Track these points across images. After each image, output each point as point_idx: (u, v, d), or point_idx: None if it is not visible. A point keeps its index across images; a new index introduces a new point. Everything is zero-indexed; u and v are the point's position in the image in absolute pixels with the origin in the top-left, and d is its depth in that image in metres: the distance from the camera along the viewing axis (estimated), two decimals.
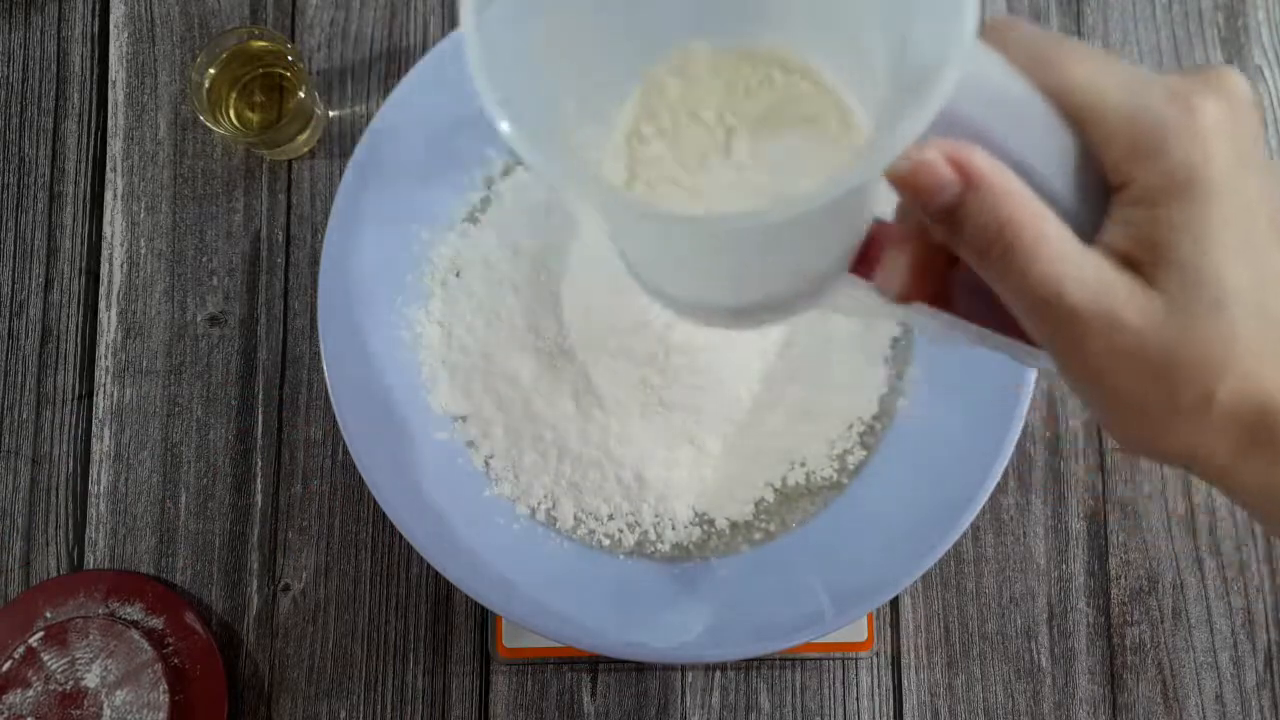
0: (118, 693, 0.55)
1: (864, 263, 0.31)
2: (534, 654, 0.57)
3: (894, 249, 0.29)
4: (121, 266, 0.62)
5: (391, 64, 0.64)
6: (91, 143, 0.64)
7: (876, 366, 0.55)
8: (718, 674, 0.58)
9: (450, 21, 0.64)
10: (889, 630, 0.58)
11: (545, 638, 0.50)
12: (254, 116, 0.63)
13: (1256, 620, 0.58)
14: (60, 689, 0.55)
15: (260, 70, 0.62)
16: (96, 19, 0.65)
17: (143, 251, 0.62)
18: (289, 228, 0.63)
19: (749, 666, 0.58)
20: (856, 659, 0.58)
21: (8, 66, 0.65)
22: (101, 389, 0.61)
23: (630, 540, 0.54)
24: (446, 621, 0.59)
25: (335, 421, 0.51)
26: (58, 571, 0.60)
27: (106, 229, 0.63)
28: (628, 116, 0.32)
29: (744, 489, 0.54)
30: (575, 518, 0.54)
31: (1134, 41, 0.63)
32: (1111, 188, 0.26)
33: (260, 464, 0.61)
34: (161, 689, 0.55)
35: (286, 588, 0.59)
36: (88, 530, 0.60)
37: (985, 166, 0.24)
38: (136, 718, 0.55)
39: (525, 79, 0.26)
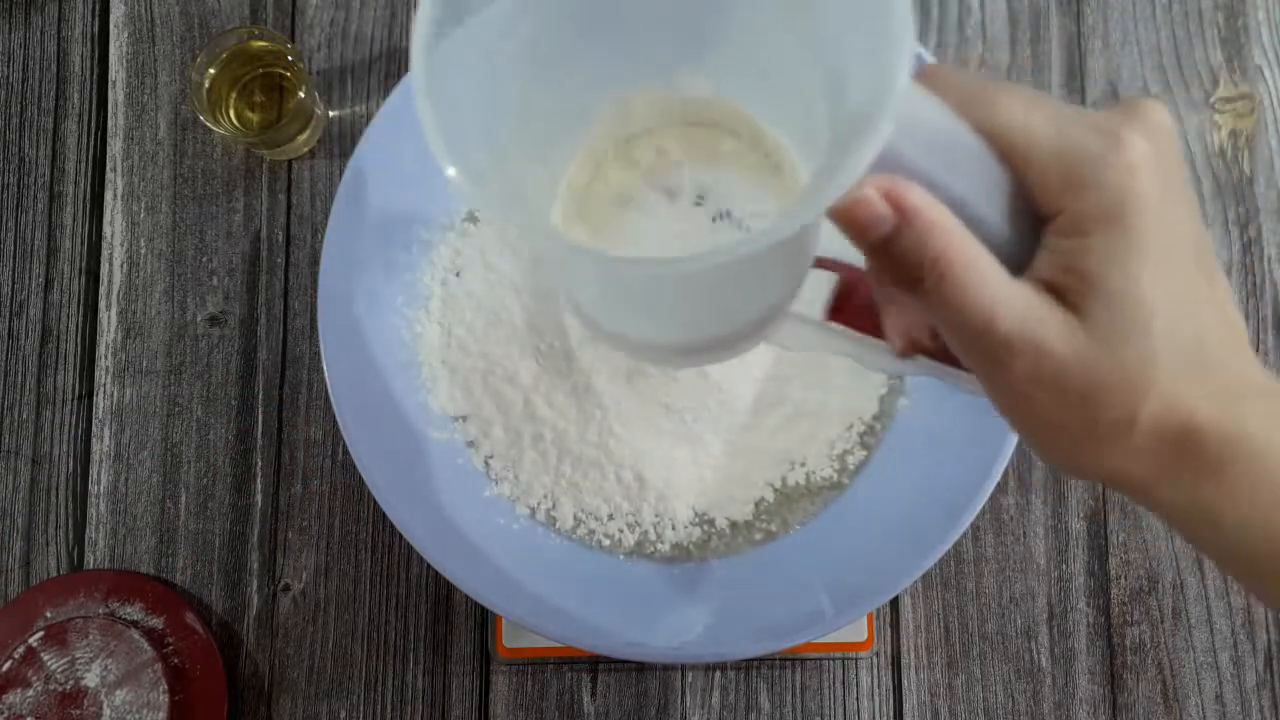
0: (118, 692, 0.55)
1: (842, 311, 0.33)
2: (534, 654, 0.57)
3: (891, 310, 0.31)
4: (121, 266, 0.62)
5: (391, 64, 0.64)
6: (91, 143, 0.64)
7: None
8: (718, 674, 0.58)
9: None
10: (889, 630, 0.58)
11: (545, 638, 0.50)
12: (254, 116, 0.63)
13: (1256, 620, 0.58)
14: (60, 689, 0.55)
15: (260, 70, 0.62)
16: (96, 19, 0.65)
17: (143, 251, 0.62)
18: (289, 228, 0.63)
19: (749, 666, 0.58)
20: (856, 659, 0.58)
21: (8, 66, 0.65)
22: (101, 389, 0.61)
23: (630, 540, 0.54)
24: (446, 621, 0.59)
25: (335, 421, 0.51)
26: (58, 571, 0.60)
27: (106, 229, 0.63)
28: (575, 162, 0.33)
29: (744, 489, 0.54)
30: (575, 518, 0.54)
31: (1134, 41, 0.63)
32: (1042, 219, 0.27)
33: (260, 464, 0.61)
34: (161, 689, 0.55)
35: (286, 588, 0.59)
36: (88, 530, 0.60)
37: (918, 201, 0.25)
38: (136, 717, 0.55)
39: (474, 127, 0.28)
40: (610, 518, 0.54)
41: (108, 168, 0.63)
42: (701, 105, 0.34)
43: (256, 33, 0.61)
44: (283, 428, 0.61)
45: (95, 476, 0.61)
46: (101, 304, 0.62)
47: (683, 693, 0.58)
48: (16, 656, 0.55)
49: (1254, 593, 0.30)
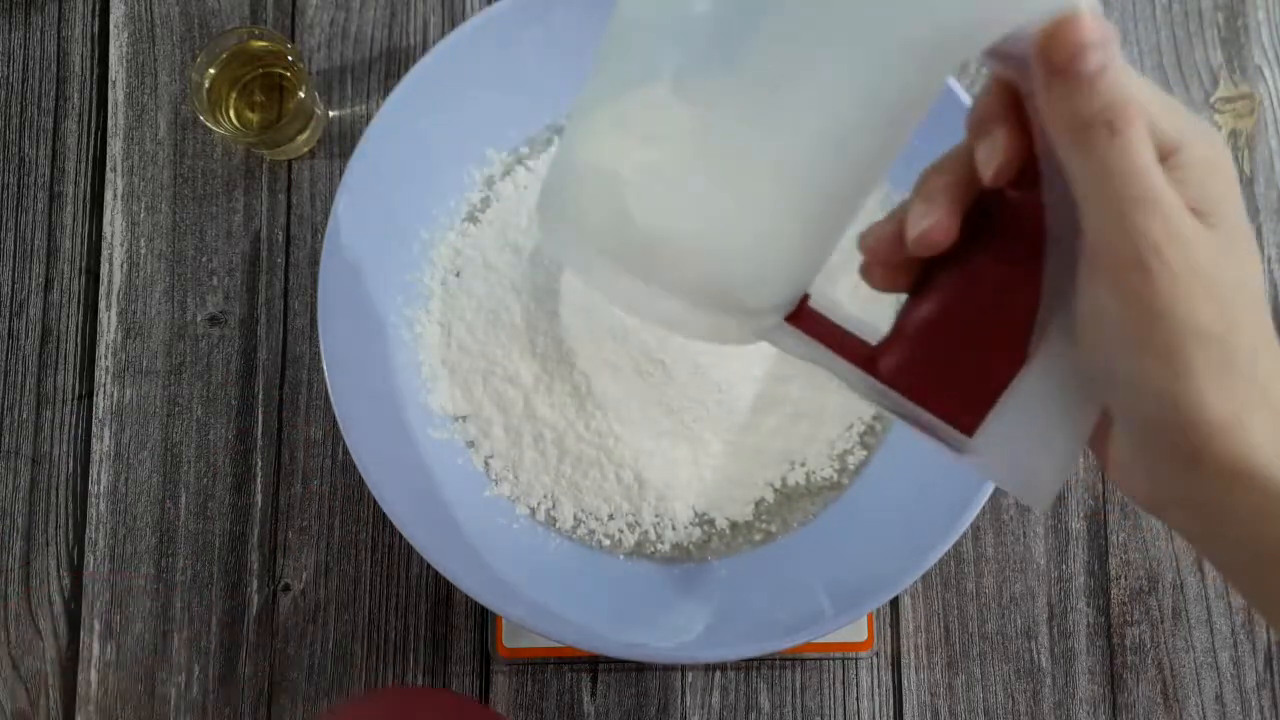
0: None
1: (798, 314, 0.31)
2: (534, 654, 0.57)
3: (942, 169, 0.30)
4: (121, 266, 0.62)
5: (391, 64, 0.64)
6: (91, 143, 0.64)
7: None
8: (718, 674, 0.58)
9: (450, 21, 0.64)
10: (889, 630, 0.58)
11: (545, 638, 0.50)
12: (254, 116, 0.63)
13: (1257, 620, 0.58)
14: None
15: (260, 70, 0.62)
16: (96, 19, 0.65)
17: (143, 251, 0.62)
18: (289, 228, 0.63)
19: (749, 666, 0.58)
20: (856, 659, 0.58)
21: (8, 66, 0.65)
22: (101, 389, 0.61)
23: (630, 540, 0.54)
24: (446, 621, 0.59)
25: (335, 421, 0.51)
26: (58, 571, 0.60)
27: (106, 229, 0.63)
28: None
29: (744, 489, 0.54)
30: (575, 518, 0.54)
31: (1134, 41, 0.63)
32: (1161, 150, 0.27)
33: (260, 464, 0.61)
34: None
35: (286, 588, 0.59)
36: (88, 530, 0.60)
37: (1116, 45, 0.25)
38: None
39: None
40: (610, 518, 0.54)
41: (108, 168, 0.63)
42: None
43: (256, 33, 0.61)
44: (283, 428, 0.61)
45: (95, 476, 0.61)
46: (101, 304, 0.62)
47: (683, 693, 0.58)
48: None
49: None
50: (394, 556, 0.60)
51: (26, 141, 0.64)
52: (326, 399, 0.53)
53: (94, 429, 0.61)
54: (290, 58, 0.60)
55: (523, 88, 0.56)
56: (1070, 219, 0.27)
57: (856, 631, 0.57)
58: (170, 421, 0.61)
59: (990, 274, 0.29)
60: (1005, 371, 0.29)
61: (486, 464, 0.55)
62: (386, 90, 0.59)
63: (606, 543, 0.54)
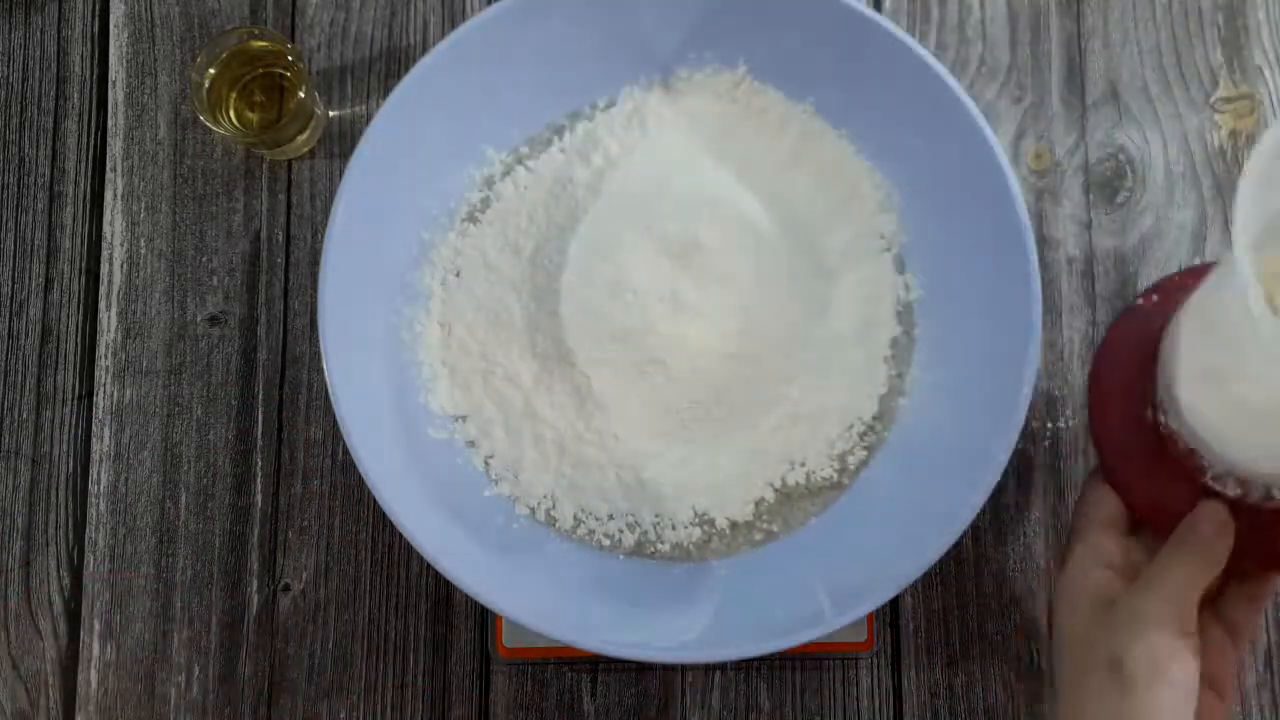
0: None
1: None
2: (534, 654, 0.57)
3: None
4: (121, 266, 0.62)
5: (391, 64, 0.64)
6: (91, 143, 0.64)
7: (876, 366, 0.55)
8: (718, 674, 0.58)
9: (450, 21, 0.64)
10: (889, 630, 0.58)
11: (545, 638, 0.50)
12: (254, 116, 0.63)
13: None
14: None
15: (260, 70, 0.62)
16: (96, 19, 0.65)
17: (143, 251, 0.62)
18: (289, 228, 0.63)
19: (749, 666, 0.58)
20: (856, 659, 0.58)
21: (8, 66, 0.65)
22: (101, 389, 0.61)
23: (630, 540, 0.54)
24: (446, 621, 0.59)
25: (335, 421, 0.51)
26: (58, 571, 0.60)
27: (106, 229, 0.63)
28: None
29: (744, 489, 0.54)
30: (575, 518, 0.54)
31: (1134, 41, 0.63)
32: None
33: (260, 464, 0.61)
34: None
35: (286, 588, 0.59)
36: (88, 530, 0.60)
37: None
38: None
39: None
40: (610, 518, 0.54)
41: (108, 168, 0.63)
42: None
43: (256, 33, 0.61)
44: (283, 428, 0.61)
45: (95, 476, 0.61)
46: (101, 304, 0.62)
47: (683, 693, 0.58)
48: None
49: None
50: (394, 556, 0.60)
51: (26, 141, 0.64)
52: (326, 399, 0.53)
53: (94, 429, 0.61)
54: (290, 58, 0.60)
55: (523, 87, 0.56)
56: None
57: (856, 631, 0.57)
58: (170, 421, 0.61)
59: None
60: None
61: (486, 464, 0.55)
62: (386, 90, 0.58)
63: (606, 543, 0.54)
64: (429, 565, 0.51)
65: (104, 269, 0.62)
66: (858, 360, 0.55)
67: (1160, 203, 0.61)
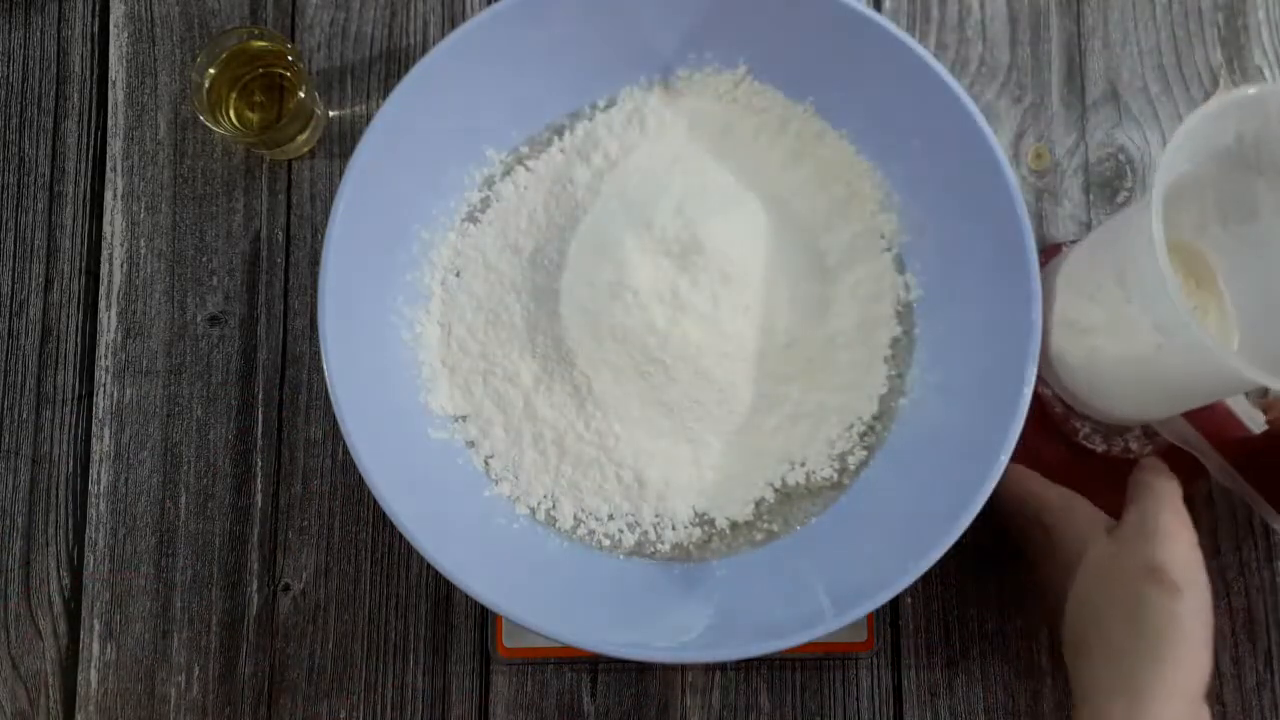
0: None
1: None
2: (534, 654, 0.57)
3: None
4: (121, 266, 0.62)
5: (391, 64, 0.64)
6: (91, 143, 0.64)
7: (876, 366, 0.55)
8: (718, 674, 0.58)
9: (450, 21, 0.64)
10: (889, 630, 0.58)
11: (545, 638, 0.50)
12: (254, 116, 0.63)
13: (1256, 620, 0.58)
14: None
15: (260, 70, 0.62)
16: (96, 19, 0.65)
17: (143, 251, 0.63)
18: (289, 228, 0.63)
19: (749, 666, 0.58)
20: (856, 659, 0.58)
21: (8, 66, 0.65)
22: (101, 389, 0.61)
23: (630, 540, 0.54)
24: (446, 621, 0.59)
25: (335, 421, 0.51)
26: (58, 571, 0.60)
27: (106, 229, 0.63)
28: None
29: (744, 489, 0.54)
30: (575, 518, 0.54)
31: (1134, 41, 0.63)
32: None
33: (260, 464, 0.61)
34: None
35: (286, 588, 0.59)
36: (88, 530, 0.60)
37: None
38: None
39: None
40: (610, 518, 0.54)
41: (108, 167, 0.63)
42: None
43: (256, 33, 0.61)
44: (283, 428, 0.61)
45: (95, 476, 0.61)
46: (101, 304, 0.62)
47: (683, 693, 0.58)
48: None
49: None
50: (394, 556, 0.60)
51: (26, 141, 0.64)
52: (326, 399, 0.53)
53: (94, 429, 0.61)
54: (290, 58, 0.60)
55: (523, 88, 0.56)
56: None
57: (856, 631, 0.57)
58: (170, 421, 0.61)
59: None
60: None
61: (486, 464, 0.55)
62: (386, 90, 0.59)
63: (606, 543, 0.54)
64: (429, 565, 0.51)
65: (104, 269, 0.62)
66: (858, 360, 0.55)
67: None
